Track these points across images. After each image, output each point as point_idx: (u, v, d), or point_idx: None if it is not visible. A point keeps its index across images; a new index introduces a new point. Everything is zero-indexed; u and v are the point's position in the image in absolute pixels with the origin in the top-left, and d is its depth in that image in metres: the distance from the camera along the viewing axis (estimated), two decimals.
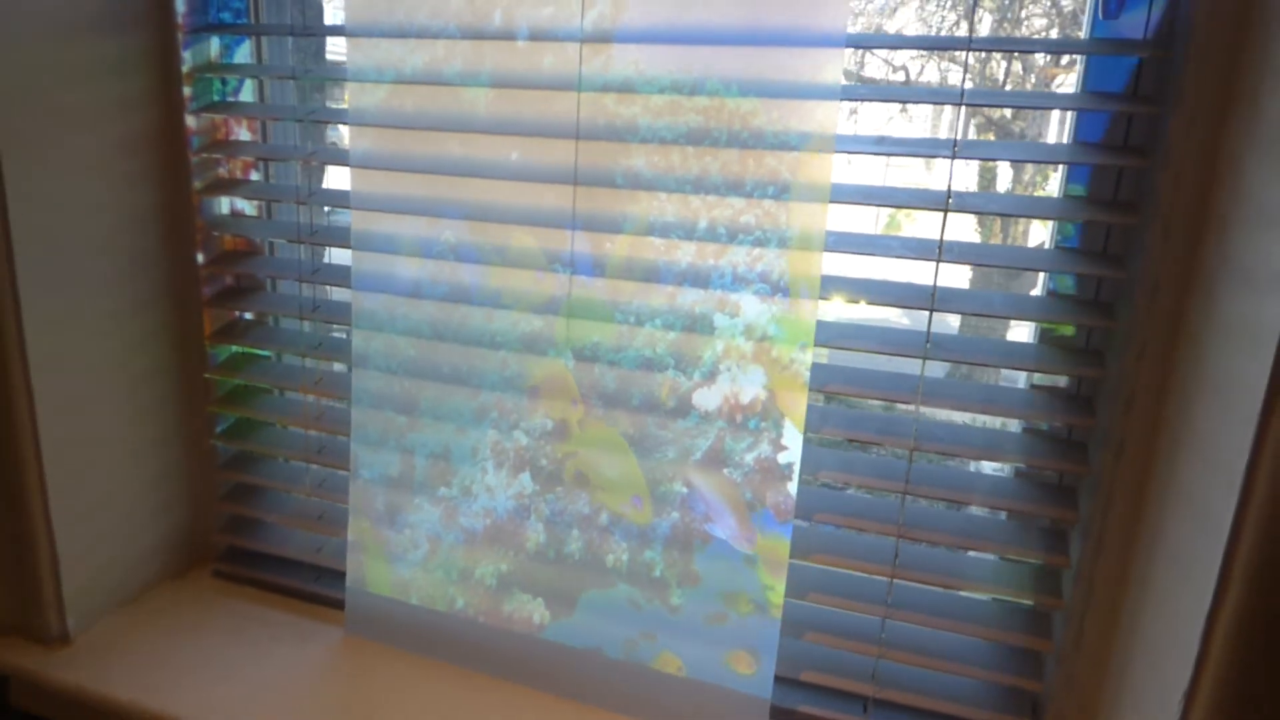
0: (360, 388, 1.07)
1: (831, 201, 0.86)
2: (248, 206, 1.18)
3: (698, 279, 0.92)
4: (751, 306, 0.91)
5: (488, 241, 0.99)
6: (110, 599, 1.14)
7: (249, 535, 1.22)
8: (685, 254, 0.92)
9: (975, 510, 1.05)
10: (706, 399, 0.94)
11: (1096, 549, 0.91)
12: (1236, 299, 0.71)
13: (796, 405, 0.92)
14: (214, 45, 1.10)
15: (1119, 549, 0.90)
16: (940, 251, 0.86)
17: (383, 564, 1.11)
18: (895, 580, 0.96)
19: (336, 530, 1.15)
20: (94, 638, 1.10)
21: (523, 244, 0.98)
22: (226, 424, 1.21)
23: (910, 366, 0.94)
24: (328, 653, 1.11)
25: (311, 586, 1.20)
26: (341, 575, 1.14)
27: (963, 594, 0.99)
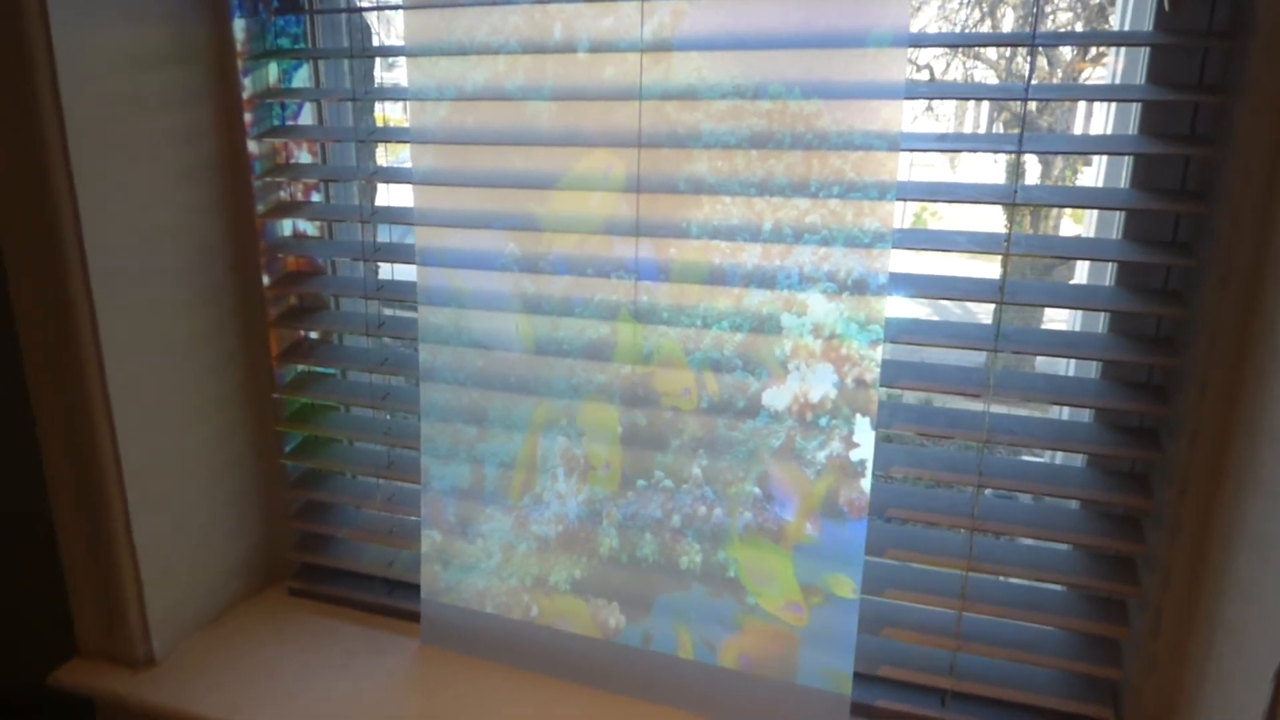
0: (429, 400, 1.09)
1: (897, 199, 0.86)
2: (309, 227, 1.21)
3: (764, 280, 0.93)
4: (819, 305, 0.92)
5: (551, 251, 1.00)
6: (192, 620, 1.17)
7: (322, 552, 1.25)
8: (751, 256, 0.93)
9: (1047, 500, 1.05)
10: (776, 398, 0.95)
11: (1172, 535, 0.91)
12: None
13: (867, 402, 0.92)
14: (273, 71, 1.13)
15: (1196, 534, 0.90)
16: (1008, 245, 0.87)
17: (457, 574, 1.13)
18: (970, 574, 0.97)
19: (408, 543, 1.17)
20: (178, 659, 1.12)
21: (586, 252, 0.99)
22: (295, 442, 1.23)
23: (964, 359, 0.95)
24: (405, 664, 1.13)
25: (385, 600, 1.21)
26: (415, 588, 1.16)
27: (1038, 585, 0.99)
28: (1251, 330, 0.82)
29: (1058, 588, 0.99)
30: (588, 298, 1.00)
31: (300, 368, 1.21)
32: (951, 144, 0.88)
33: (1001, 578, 0.98)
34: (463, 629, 1.13)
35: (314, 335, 1.23)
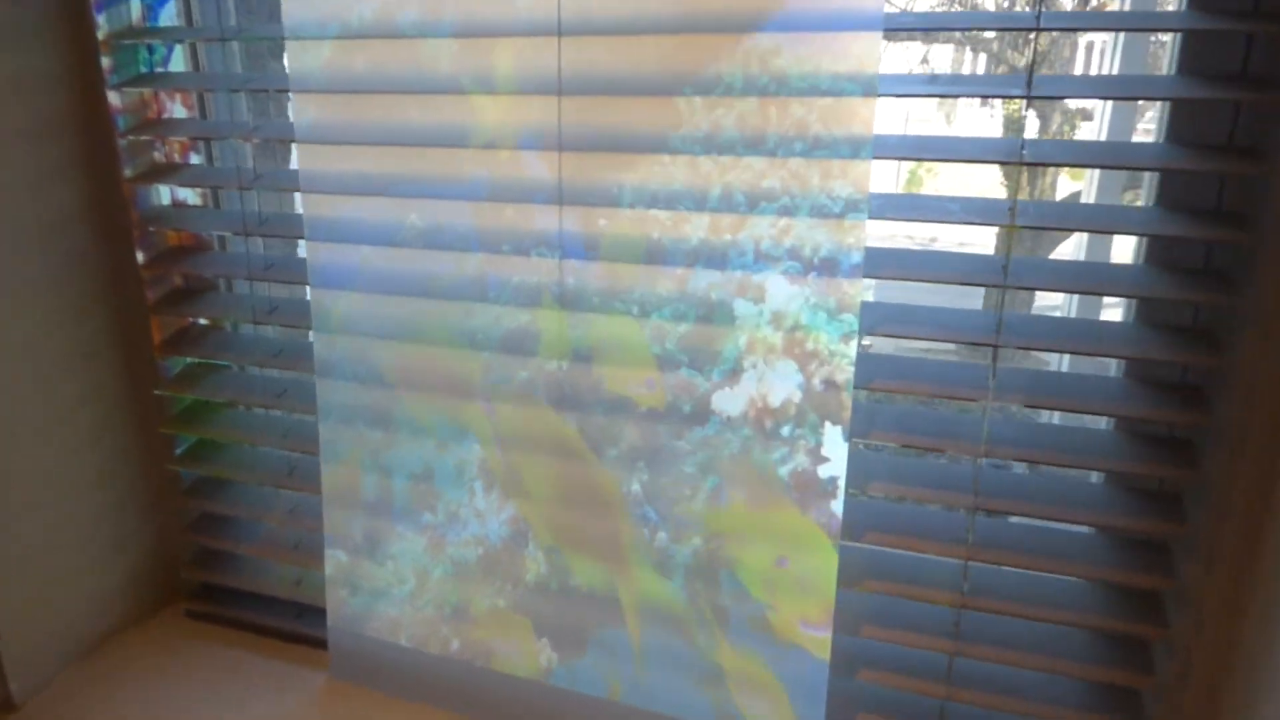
0: (326, 400, 0.92)
1: (875, 157, 0.69)
2: (190, 195, 1.03)
3: (713, 258, 0.76)
4: (779, 289, 0.75)
5: (460, 223, 0.83)
6: (65, 653, 1.01)
7: (222, 569, 1.09)
8: (696, 228, 0.76)
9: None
10: (729, 401, 0.79)
11: (1208, 568, 0.75)
12: None
13: (839, 407, 0.76)
14: (135, 6, 0.94)
15: (1235, 566, 0.73)
16: (1014, 214, 0.69)
17: (366, 600, 0.97)
18: (964, 610, 0.81)
19: (315, 561, 1.01)
20: (46, 702, 0.97)
21: (501, 224, 0.82)
22: (187, 445, 1.07)
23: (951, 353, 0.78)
24: (312, 702, 0.97)
25: (293, 625, 1.06)
26: (325, 611, 1.00)
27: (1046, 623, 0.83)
28: None
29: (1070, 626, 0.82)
30: (504, 279, 0.83)
31: (188, 359, 1.04)
32: (944, 87, 0.70)
33: (999, 615, 0.82)
34: (375, 662, 0.98)
35: (203, 322, 1.05)
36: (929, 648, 0.82)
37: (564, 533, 0.87)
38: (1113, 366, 0.80)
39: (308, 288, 0.90)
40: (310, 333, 0.91)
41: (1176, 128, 0.70)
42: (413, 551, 0.93)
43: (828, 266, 0.73)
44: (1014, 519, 0.83)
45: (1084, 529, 0.82)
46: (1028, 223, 0.69)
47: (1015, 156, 0.68)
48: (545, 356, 0.83)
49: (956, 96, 0.68)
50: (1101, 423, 0.81)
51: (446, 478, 0.90)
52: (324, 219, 0.87)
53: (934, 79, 0.71)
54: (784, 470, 0.78)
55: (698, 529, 0.82)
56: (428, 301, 0.86)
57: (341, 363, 0.91)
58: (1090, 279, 0.74)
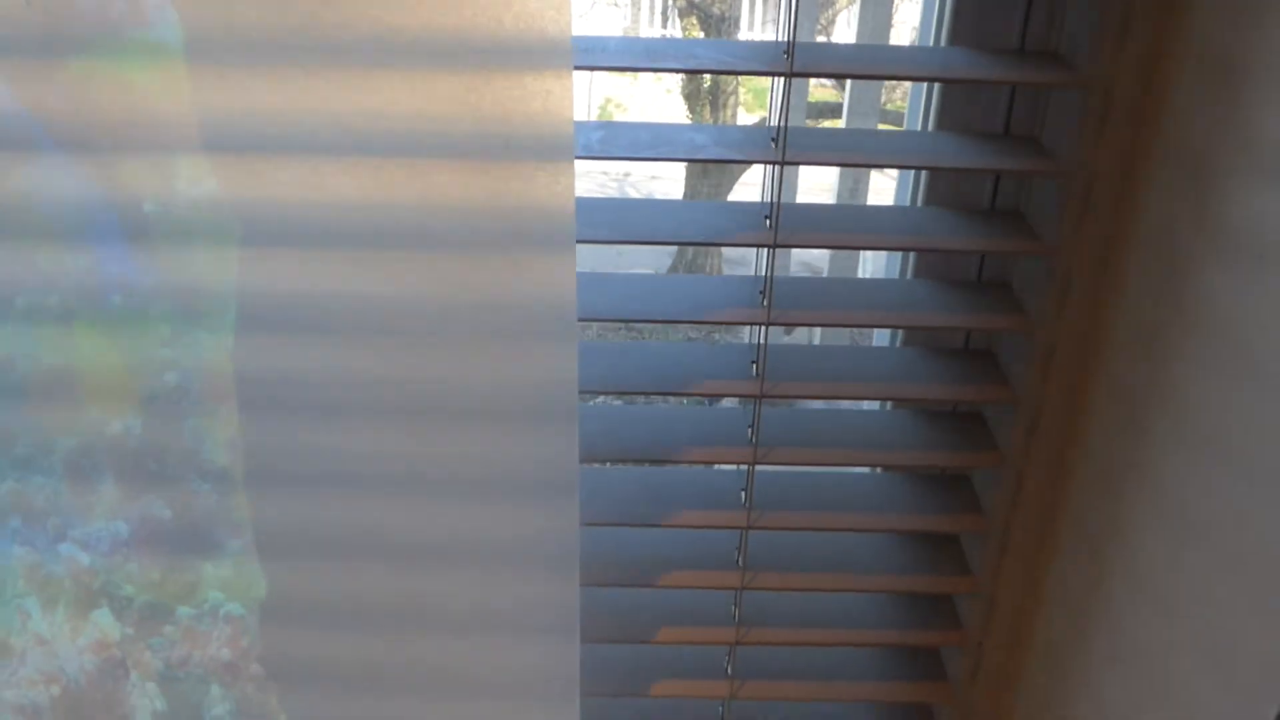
0: None
1: (580, 68, 0.46)
2: None
3: None
4: None
5: None
6: None
7: None
8: None
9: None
10: None
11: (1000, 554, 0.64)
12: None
13: None
14: None
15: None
16: (781, 144, 0.50)
17: None
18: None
19: None
20: None
21: None
22: None
23: None
24: None
25: None
26: None
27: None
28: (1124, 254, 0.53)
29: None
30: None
31: None
32: None
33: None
34: None
35: None
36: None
37: (182, 653, 0.58)
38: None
39: None
40: None
41: (959, 31, 0.55)
42: None
43: None
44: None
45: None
46: (795, 157, 0.51)
47: (780, 65, 0.48)
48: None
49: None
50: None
51: None
52: None
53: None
54: None
55: None
56: None
57: None
58: (861, 223, 0.57)
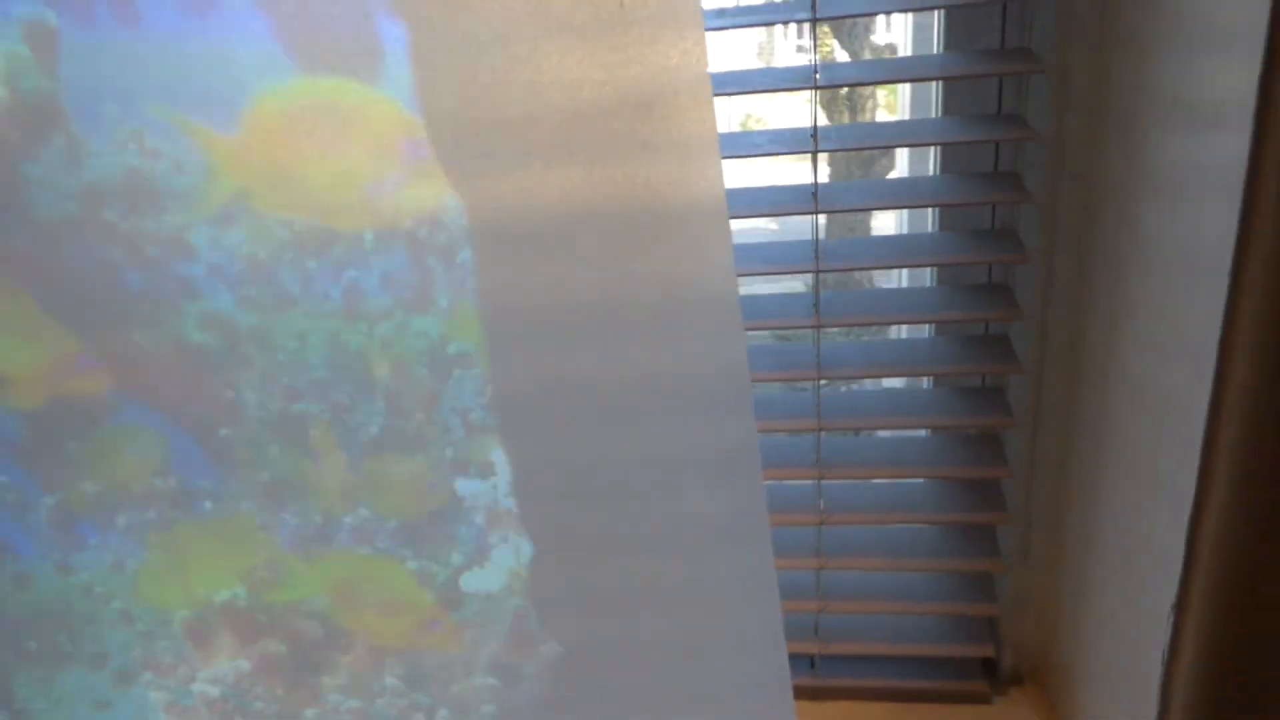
0: None
1: None
2: None
3: None
4: None
5: None
6: None
7: None
8: None
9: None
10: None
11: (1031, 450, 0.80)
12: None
13: None
14: None
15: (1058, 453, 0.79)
16: (816, 140, 0.70)
17: None
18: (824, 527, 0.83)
19: None
20: None
21: None
22: None
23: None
24: None
25: None
26: None
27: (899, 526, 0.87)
28: (1100, 199, 0.69)
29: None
30: None
31: None
32: (731, 20, 0.69)
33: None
34: None
35: None
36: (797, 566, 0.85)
37: None
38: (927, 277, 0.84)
39: None
40: None
41: (955, 36, 0.73)
42: None
43: None
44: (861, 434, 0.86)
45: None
46: (830, 146, 0.71)
47: (809, 83, 0.68)
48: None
49: (741, 28, 0.68)
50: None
51: None
52: None
53: (721, 13, 0.71)
54: None
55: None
56: None
57: None
58: (896, 196, 0.76)
